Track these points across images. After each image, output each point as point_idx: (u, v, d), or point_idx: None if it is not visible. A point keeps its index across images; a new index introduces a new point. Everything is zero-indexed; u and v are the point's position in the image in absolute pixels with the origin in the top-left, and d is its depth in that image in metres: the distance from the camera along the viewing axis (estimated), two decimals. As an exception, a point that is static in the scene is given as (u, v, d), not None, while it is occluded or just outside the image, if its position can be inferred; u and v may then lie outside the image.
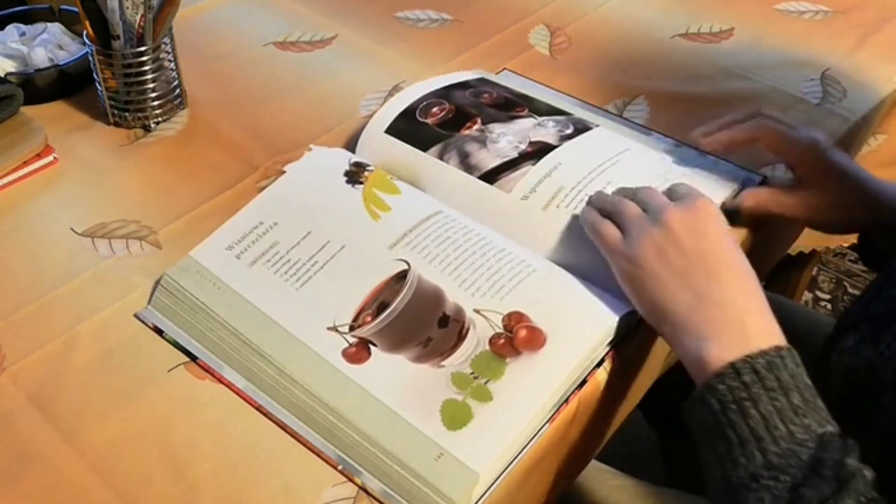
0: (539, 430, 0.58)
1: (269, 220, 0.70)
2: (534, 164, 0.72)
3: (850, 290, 1.76)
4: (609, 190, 0.69)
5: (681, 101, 0.90)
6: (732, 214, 0.74)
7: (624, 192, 0.66)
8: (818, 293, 1.75)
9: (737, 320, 0.56)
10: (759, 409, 0.51)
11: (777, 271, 1.35)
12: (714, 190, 0.73)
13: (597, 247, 0.64)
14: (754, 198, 0.73)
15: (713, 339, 0.55)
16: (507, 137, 0.75)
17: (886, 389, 0.55)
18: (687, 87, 0.92)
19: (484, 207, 0.70)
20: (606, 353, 0.63)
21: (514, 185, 0.71)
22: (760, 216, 0.74)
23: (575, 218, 0.68)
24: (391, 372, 0.60)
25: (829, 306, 1.73)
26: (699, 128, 0.76)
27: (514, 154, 0.73)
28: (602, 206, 0.65)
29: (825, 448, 0.50)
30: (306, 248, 0.67)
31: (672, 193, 0.64)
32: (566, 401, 0.60)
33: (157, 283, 0.67)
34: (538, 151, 0.73)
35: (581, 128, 0.77)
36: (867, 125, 0.93)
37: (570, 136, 0.76)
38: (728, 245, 0.59)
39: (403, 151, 0.75)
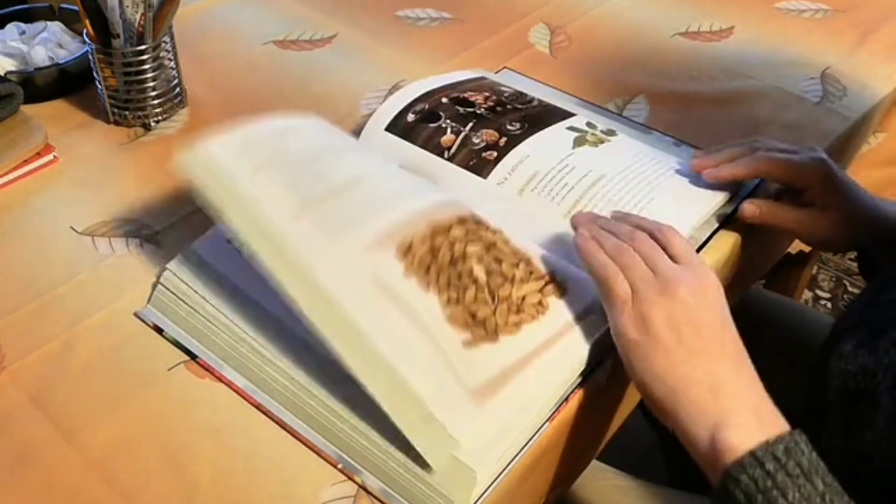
0: (539, 429, 0.58)
1: None
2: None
3: (850, 288, 1.76)
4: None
5: (681, 100, 0.90)
6: (727, 217, 0.73)
7: (621, 221, 0.63)
8: (818, 292, 1.75)
9: (752, 406, 0.54)
10: (787, 498, 0.50)
11: (777, 270, 1.35)
12: (710, 192, 0.73)
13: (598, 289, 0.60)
14: (755, 209, 0.71)
15: (730, 425, 0.53)
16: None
17: (884, 394, 0.55)
18: (687, 86, 0.92)
19: (477, 196, 0.70)
20: (606, 355, 0.63)
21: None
22: (757, 227, 0.73)
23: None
24: None
25: (829, 305, 1.73)
26: (698, 153, 0.75)
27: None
28: (601, 240, 0.61)
29: None
30: None
31: (662, 237, 0.60)
32: (566, 400, 0.60)
33: (158, 280, 0.67)
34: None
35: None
36: (867, 123, 0.93)
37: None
38: (731, 322, 0.57)
39: (404, 149, 0.75)
